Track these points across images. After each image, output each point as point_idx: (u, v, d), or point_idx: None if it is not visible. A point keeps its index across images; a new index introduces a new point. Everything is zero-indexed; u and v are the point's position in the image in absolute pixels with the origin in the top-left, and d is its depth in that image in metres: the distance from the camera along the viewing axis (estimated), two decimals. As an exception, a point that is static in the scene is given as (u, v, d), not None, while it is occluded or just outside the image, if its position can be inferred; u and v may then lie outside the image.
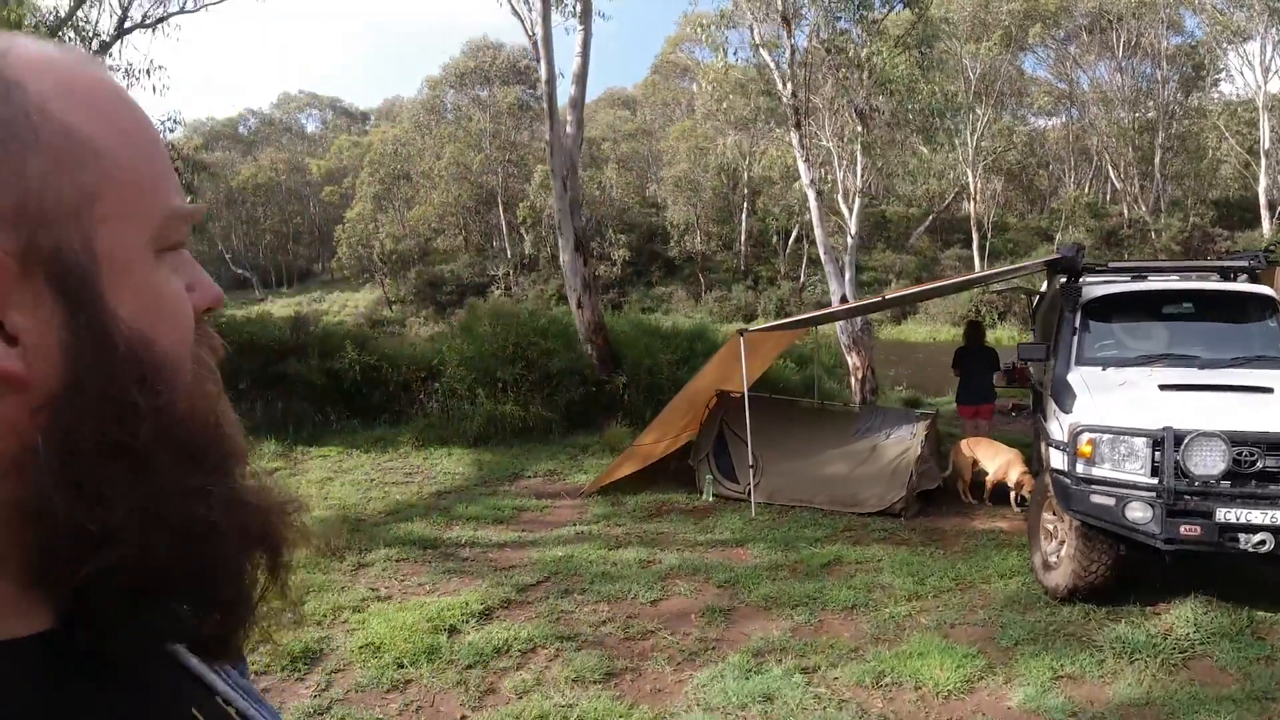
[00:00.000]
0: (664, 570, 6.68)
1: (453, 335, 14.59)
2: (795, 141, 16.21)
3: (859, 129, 17.34)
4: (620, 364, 12.67)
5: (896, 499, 7.97)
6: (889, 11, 17.86)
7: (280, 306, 53.81)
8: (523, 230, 48.33)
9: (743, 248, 44.94)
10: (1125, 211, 36.91)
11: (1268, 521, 4.75)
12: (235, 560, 0.58)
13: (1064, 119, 45.56)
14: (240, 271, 68.90)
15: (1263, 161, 32.40)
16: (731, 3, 16.65)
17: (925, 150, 25.96)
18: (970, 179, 34.88)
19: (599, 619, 5.69)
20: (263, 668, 4.72)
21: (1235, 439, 4.86)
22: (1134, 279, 7.12)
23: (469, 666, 4.94)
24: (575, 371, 12.44)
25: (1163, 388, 5.55)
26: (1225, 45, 34.47)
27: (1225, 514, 4.81)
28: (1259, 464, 4.82)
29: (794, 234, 41.30)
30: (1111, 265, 7.48)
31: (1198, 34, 36.17)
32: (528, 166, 48.92)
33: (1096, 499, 5.16)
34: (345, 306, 55.65)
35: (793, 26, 16.38)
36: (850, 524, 7.87)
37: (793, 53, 16.29)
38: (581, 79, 13.64)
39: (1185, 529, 4.86)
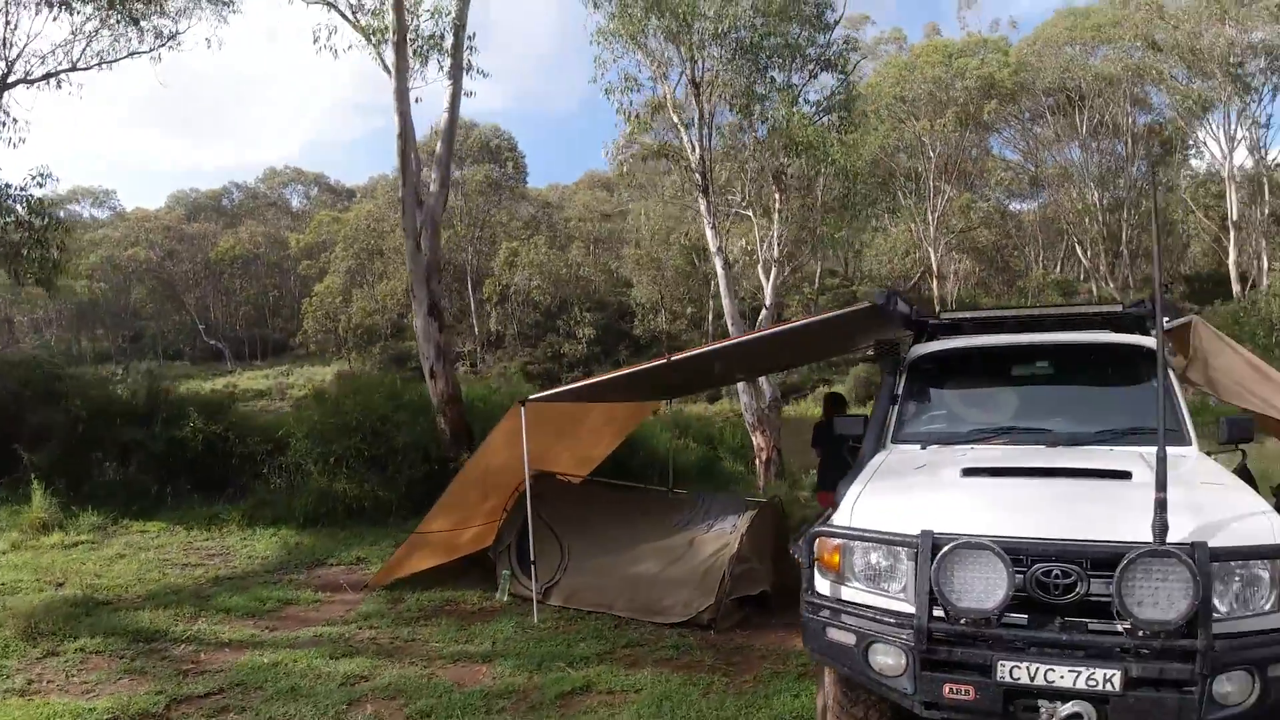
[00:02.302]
0: (366, 691, 5.54)
1: (305, 405, 13.40)
2: (703, 208, 15.25)
3: (776, 196, 16.37)
4: (475, 440, 11.35)
5: (704, 607, 6.55)
6: (809, 78, 17.09)
7: (247, 379, 52.93)
8: (489, 307, 47.57)
9: (710, 326, 43.94)
10: (1094, 289, 35.99)
11: (1082, 685, 3.09)
12: None
13: (1038, 201, 45.23)
14: (213, 343, 67.94)
15: (1231, 233, 31.62)
16: (635, 66, 15.80)
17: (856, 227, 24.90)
18: (933, 257, 34.00)
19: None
20: None
21: (1029, 551, 3.24)
22: (982, 333, 5.68)
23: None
24: (420, 446, 11.13)
25: (966, 473, 4.02)
26: (1192, 120, 34.07)
27: (1010, 670, 3.16)
28: (1077, 589, 3.17)
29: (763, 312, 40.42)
30: (945, 317, 5.86)
31: (1166, 112, 35.91)
32: (498, 244, 48.56)
33: (834, 635, 3.56)
34: (311, 380, 54.59)
35: (701, 91, 15.52)
36: (644, 637, 6.46)
37: (701, 117, 15.42)
38: (449, 135, 12.76)
39: (951, 689, 3.23)
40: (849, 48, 16.42)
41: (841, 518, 3.77)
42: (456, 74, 12.78)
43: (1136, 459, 4.07)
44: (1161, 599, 3.02)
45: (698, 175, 15.06)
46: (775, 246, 16.23)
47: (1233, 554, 3.12)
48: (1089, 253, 36.95)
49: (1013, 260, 45.66)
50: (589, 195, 63.22)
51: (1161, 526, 3.02)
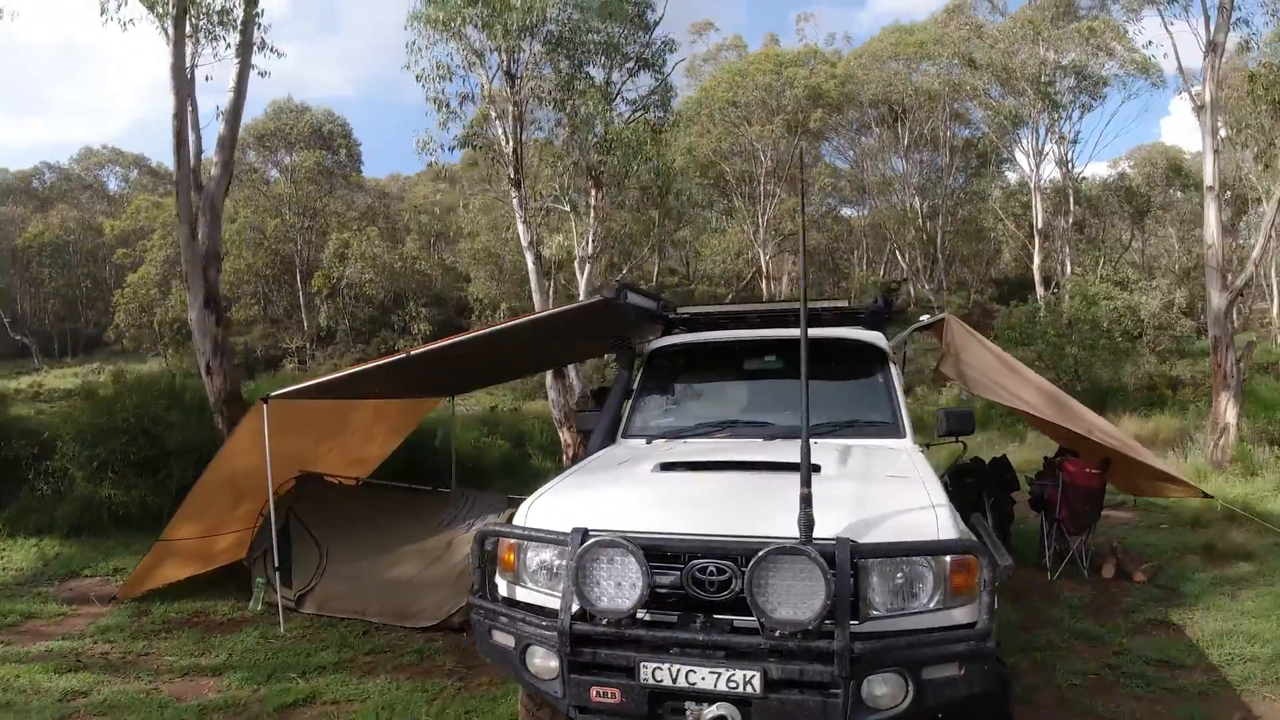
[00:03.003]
0: (80, 707, 5.22)
1: (76, 405, 12.42)
2: (515, 202, 15.04)
3: (592, 193, 16.36)
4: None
5: (455, 609, 6.39)
6: (628, 76, 17.15)
7: (54, 378, 48.81)
8: (318, 301, 45.71)
9: (549, 323, 43.61)
10: (912, 290, 37.89)
11: (723, 686, 3.00)
12: None
13: (867, 208, 47.27)
14: (19, 338, 62.45)
15: (1037, 241, 33.85)
16: (451, 55, 15.42)
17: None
18: (762, 258, 34.98)
19: None
20: None
21: (677, 548, 3.17)
22: (723, 327, 5.80)
23: None
24: (195, 448, 10.45)
25: (662, 468, 3.99)
26: (1005, 135, 36.25)
27: (654, 671, 3.08)
28: (732, 587, 3.09)
29: (600, 310, 40.37)
30: (683, 311, 5.96)
31: (984, 127, 38.12)
32: (331, 235, 46.72)
33: (497, 637, 3.46)
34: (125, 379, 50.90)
35: (517, 83, 15.30)
36: (391, 643, 6.25)
37: (516, 110, 15.21)
38: (234, 116, 12.03)
39: (598, 693, 3.14)
40: (666, 48, 16.56)
41: (519, 516, 3.71)
42: (245, 51, 12.09)
43: (835, 451, 4.16)
44: (796, 597, 2.94)
45: (510, 169, 14.84)
46: (590, 243, 16.19)
47: (883, 550, 3.07)
48: (907, 257, 38.86)
49: (842, 263, 47.53)
50: (430, 187, 61.81)
51: (806, 522, 2.97)
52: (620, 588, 3.14)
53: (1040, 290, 34.06)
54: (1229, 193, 37.20)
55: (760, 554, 2.97)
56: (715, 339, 5.52)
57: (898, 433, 4.72)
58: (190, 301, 11.51)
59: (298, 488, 7.68)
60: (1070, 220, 37.16)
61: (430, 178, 67.07)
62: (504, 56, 15.21)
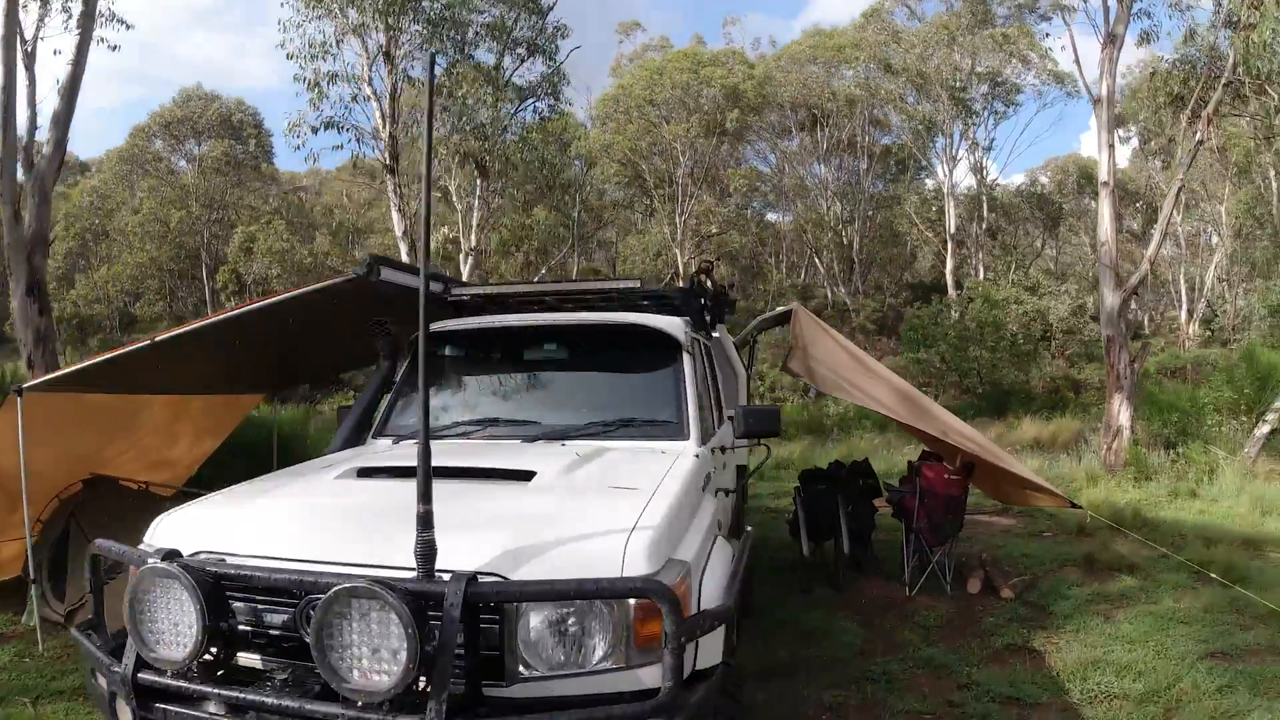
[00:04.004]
0: None
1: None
2: (390, 189, 14.11)
3: (478, 182, 15.52)
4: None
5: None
6: (519, 63, 16.34)
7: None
8: (223, 297, 43.87)
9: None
10: (829, 294, 37.74)
11: None
12: None
13: (790, 213, 47.20)
14: None
15: (949, 245, 33.95)
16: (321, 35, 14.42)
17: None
18: (679, 259, 34.41)
19: None
20: None
21: (260, 580, 2.41)
22: (511, 310, 5.13)
23: None
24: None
25: (360, 474, 3.34)
26: (921, 141, 36.34)
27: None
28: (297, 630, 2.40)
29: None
30: (462, 293, 5.23)
31: (903, 134, 38.19)
32: (236, 228, 45.02)
33: (99, 678, 2.76)
34: (13, 378, 48.38)
35: (396, 64, 14.39)
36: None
37: (393, 93, 14.30)
38: (71, 92, 10.94)
39: None
40: (559, 34, 15.78)
41: (148, 533, 2.98)
42: (86, 22, 11.08)
43: (570, 457, 3.47)
44: (380, 655, 2.22)
45: (385, 155, 13.92)
46: (474, 236, 15.33)
47: (517, 591, 2.28)
48: (824, 261, 38.73)
49: (766, 266, 47.34)
50: (349, 182, 60.15)
51: (424, 551, 2.26)
52: (178, 629, 2.41)
53: (953, 294, 34.24)
54: (1140, 201, 38.07)
55: (330, 596, 2.21)
56: (483, 325, 4.77)
57: (680, 434, 4.01)
58: (13, 289, 10.56)
59: (85, 491, 6.80)
60: (984, 226, 37.45)
61: (349, 171, 65.66)
62: (385, 38, 14.32)
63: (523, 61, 16.28)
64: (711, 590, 2.74)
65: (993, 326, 20.99)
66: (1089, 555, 7.88)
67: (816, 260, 39.73)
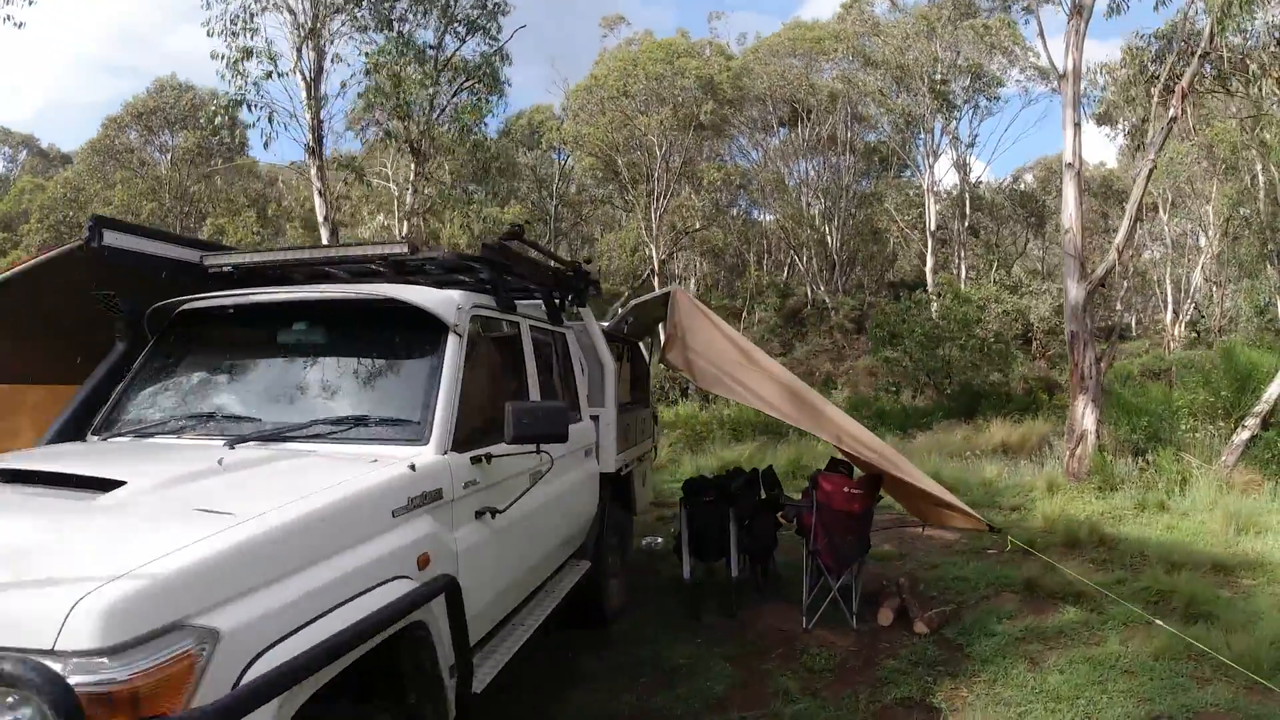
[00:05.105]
0: None
1: None
2: (313, 172, 13.19)
3: (411, 167, 14.59)
4: None
5: None
6: (460, 43, 15.41)
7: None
8: (193, 291, 43.03)
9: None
10: (809, 291, 36.87)
11: None
12: None
13: (774, 210, 46.31)
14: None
15: (929, 243, 33.15)
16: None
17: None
18: (654, 255, 33.45)
19: None
20: None
21: None
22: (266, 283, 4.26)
23: None
24: None
25: None
26: (902, 136, 35.57)
27: None
28: None
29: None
30: (217, 262, 4.31)
31: (887, 129, 37.36)
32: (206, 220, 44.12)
33: None
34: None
35: (321, 39, 13.45)
36: None
37: (317, 70, 13.36)
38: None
39: None
40: (498, 10, 14.84)
41: None
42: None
43: (199, 465, 2.73)
44: None
45: (307, 134, 12.99)
46: (408, 222, 14.41)
47: None
48: (804, 258, 37.89)
49: (748, 264, 46.47)
50: (333, 175, 59.37)
51: None
52: None
53: (930, 291, 33.45)
54: (1126, 203, 37.19)
55: None
56: (222, 302, 3.90)
57: (420, 438, 3.16)
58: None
59: None
60: (965, 224, 36.64)
61: (331, 165, 64.88)
62: (308, 9, 13.39)
63: (463, 42, 15.36)
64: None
65: (961, 324, 20.02)
66: (1030, 581, 6.85)
67: (797, 258, 38.86)
